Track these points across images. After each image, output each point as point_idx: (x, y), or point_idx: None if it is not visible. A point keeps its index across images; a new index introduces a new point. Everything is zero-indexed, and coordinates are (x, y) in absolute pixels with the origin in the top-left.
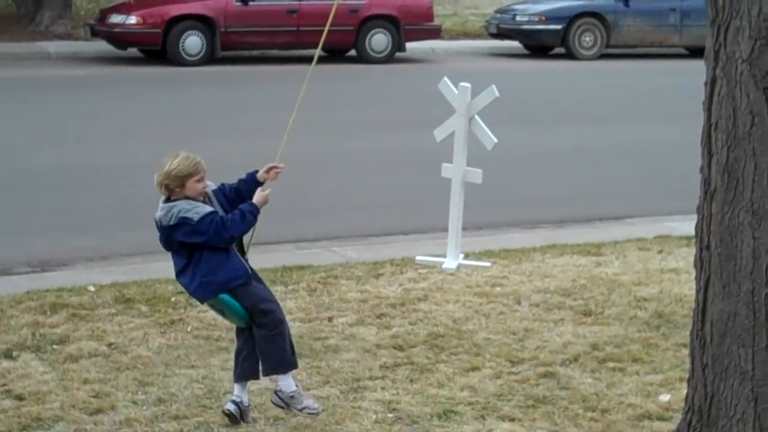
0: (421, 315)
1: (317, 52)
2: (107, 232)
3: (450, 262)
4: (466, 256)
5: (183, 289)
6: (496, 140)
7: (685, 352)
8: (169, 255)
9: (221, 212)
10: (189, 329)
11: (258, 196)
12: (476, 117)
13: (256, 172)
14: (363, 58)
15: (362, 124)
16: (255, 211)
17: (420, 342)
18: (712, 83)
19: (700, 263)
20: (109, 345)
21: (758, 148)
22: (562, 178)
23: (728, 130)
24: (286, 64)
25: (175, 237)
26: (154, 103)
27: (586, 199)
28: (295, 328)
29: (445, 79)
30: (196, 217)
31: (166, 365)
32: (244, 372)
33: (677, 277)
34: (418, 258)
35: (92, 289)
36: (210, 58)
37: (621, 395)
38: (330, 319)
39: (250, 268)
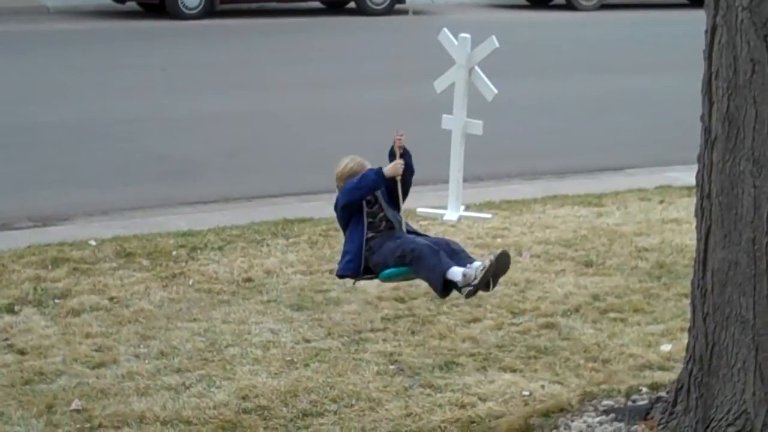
0: None
1: None
2: (108, 186)
3: (451, 214)
4: (467, 208)
5: (184, 243)
6: (496, 91)
7: (686, 302)
8: (169, 209)
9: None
10: (190, 283)
11: (388, 166)
12: (476, 68)
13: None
14: (362, 10)
15: (362, 77)
16: (376, 172)
17: (421, 294)
18: (712, 31)
19: (701, 212)
20: (111, 299)
21: (759, 96)
22: (563, 129)
23: (729, 78)
24: (285, 17)
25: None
26: (153, 58)
27: (586, 149)
28: (296, 280)
29: (445, 30)
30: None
31: (167, 319)
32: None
33: (678, 227)
34: (419, 210)
35: (93, 243)
36: (209, 11)
37: (622, 345)
38: (331, 272)
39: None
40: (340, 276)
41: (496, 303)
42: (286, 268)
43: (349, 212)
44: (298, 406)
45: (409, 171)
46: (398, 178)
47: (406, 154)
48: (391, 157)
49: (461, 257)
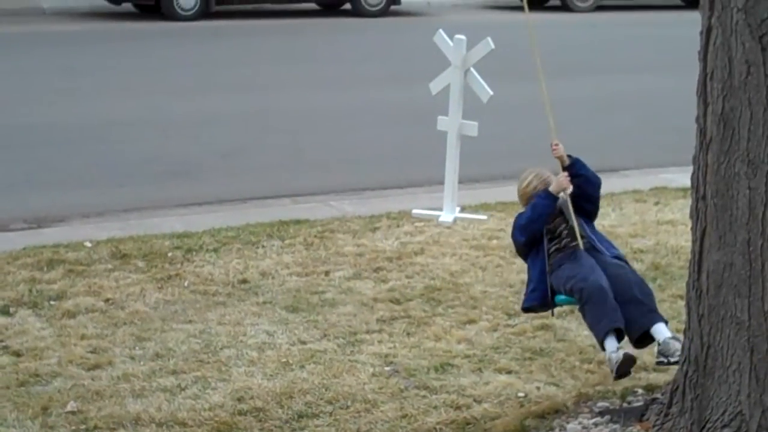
0: (417, 268)
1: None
2: (103, 187)
3: (446, 216)
4: (463, 209)
5: (180, 245)
6: (491, 92)
7: (682, 303)
8: (164, 210)
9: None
10: (186, 284)
11: (554, 183)
12: (472, 69)
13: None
14: (358, 12)
15: (357, 78)
16: (542, 195)
17: (417, 295)
18: (707, 32)
19: (696, 214)
20: (106, 300)
21: (754, 98)
22: (558, 130)
23: (724, 79)
24: (280, 18)
25: None
26: (148, 59)
27: (582, 151)
28: (291, 282)
29: (441, 31)
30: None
31: (163, 320)
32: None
33: (673, 229)
34: (414, 211)
35: (89, 244)
36: (204, 12)
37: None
38: (327, 273)
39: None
40: (526, 309)
41: (492, 304)
42: (281, 270)
43: (531, 246)
44: (294, 408)
45: (583, 182)
46: (566, 194)
47: (575, 164)
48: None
49: (643, 308)
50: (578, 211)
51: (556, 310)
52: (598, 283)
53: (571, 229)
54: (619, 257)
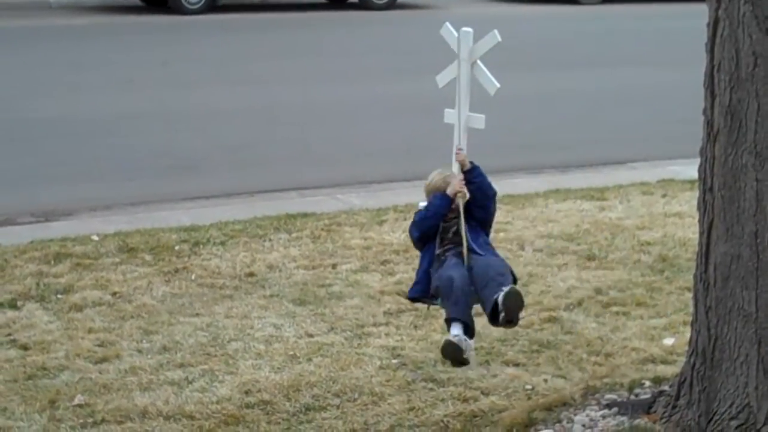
0: None
1: None
2: (110, 181)
3: None
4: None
5: (187, 238)
6: (498, 85)
7: (689, 295)
8: (171, 204)
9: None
10: (193, 277)
11: (449, 186)
12: (478, 62)
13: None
14: (364, 5)
15: (364, 71)
16: (438, 197)
17: None
18: (714, 24)
19: (704, 206)
20: (114, 294)
21: (761, 90)
22: (566, 122)
23: (731, 71)
24: (287, 12)
25: None
26: (155, 53)
27: (589, 143)
28: (299, 275)
29: (447, 24)
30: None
31: (170, 313)
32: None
33: (681, 221)
34: (421, 204)
35: (96, 238)
36: (211, 6)
37: (625, 339)
38: (334, 266)
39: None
40: (411, 299)
41: None
42: (288, 263)
43: (425, 241)
44: (301, 401)
45: (476, 189)
46: (460, 200)
47: (473, 171)
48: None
49: (494, 284)
50: (471, 218)
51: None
52: (447, 275)
53: (458, 234)
54: (491, 253)
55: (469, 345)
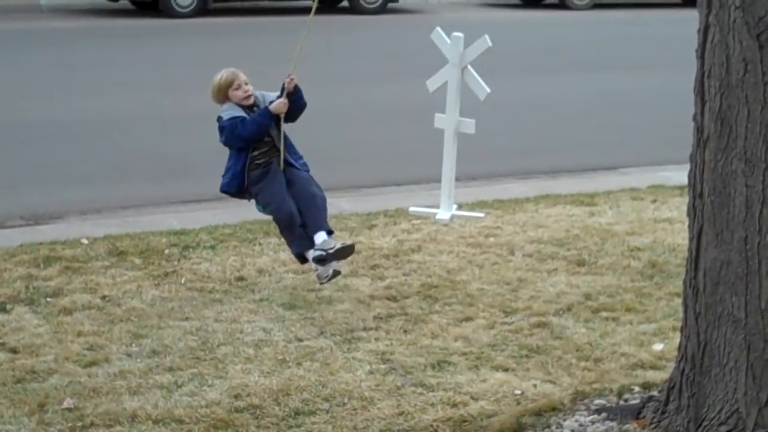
0: (414, 266)
1: (315, 4)
2: (100, 184)
3: (443, 213)
4: (460, 207)
5: (176, 242)
6: (489, 90)
7: (678, 301)
8: (161, 207)
9: None
10: (182, 281)
11: (274, 104)
12: (469, 67)
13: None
14: (355, 9)
15: (355, 75)
16: (264, 113)
17: (413, 293)
18: (705, 30)
19: (693, 211)
20: (103, 297)
21: (751, 96)
22: (556, 127)
23: (721, 77)
24: (277, 16)
25: (221, 137)
26: (145, 56)
27: (579, 149)
28: (288, 279)
29: (438, 29)
30: (224, 117)
31: (159, 317)
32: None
33: (670, 227)
34: (411, 209)
35: (85, 241)
36: (202, 9)
37: (614, 344)
38: None
39: (284, 165)
40: (224, 191)
41: (489, 302)
42: (278, 267)
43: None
44: (291, 405)
45: (296, 107)
46: (282, 116)
47: (298, 92)
48: (282, 94)
49: (318, 215)
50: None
51: (555, 309)
52: (289, 211)
53: (272, 144)
54: (305, 167)
55: (326, 268)
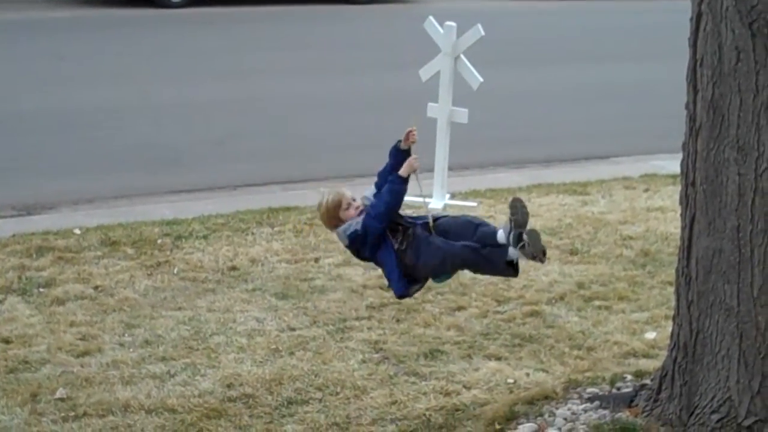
0: None
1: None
2: (92, 174)
3: (436, 202)
4: (453, 196)
5: (169, 232)
6: (481, 79)
7: (671, 289)
8: (154, 197)
9: None
10: (175, 271)
11: (404, 166)
12: (462, 56)
13: (399, 142)
14: None
15: (347, 65)
16: (395, 181)
17: None
18: (697, 19)
19: (686, 200)
20: (96, 287)
21: (743, 84)
22: (548, 117)
23: (713, 66)
24: (271, 5)
25: (363, 252)
26: (137, 46)
27: (572, 138)
28: (281, 269)
29: (431, 18)
30: (350, 231)
31: (152, 307)
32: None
33: (663, 216)
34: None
35: (78, 231)
36: None
37: (607, 333)
38: (316, 260)
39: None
40: (402, 296)
41: (481, 291)
42: (271, 257)
43: (378, 238)
44: (283, 394)
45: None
46: (416, 174)
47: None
48: (396, 154)
49: (486, 230)
50: None
51: (547, 297)
52: (460, 246)
53: (404, 228)
54: (441, 216)
55: (534, 244)
